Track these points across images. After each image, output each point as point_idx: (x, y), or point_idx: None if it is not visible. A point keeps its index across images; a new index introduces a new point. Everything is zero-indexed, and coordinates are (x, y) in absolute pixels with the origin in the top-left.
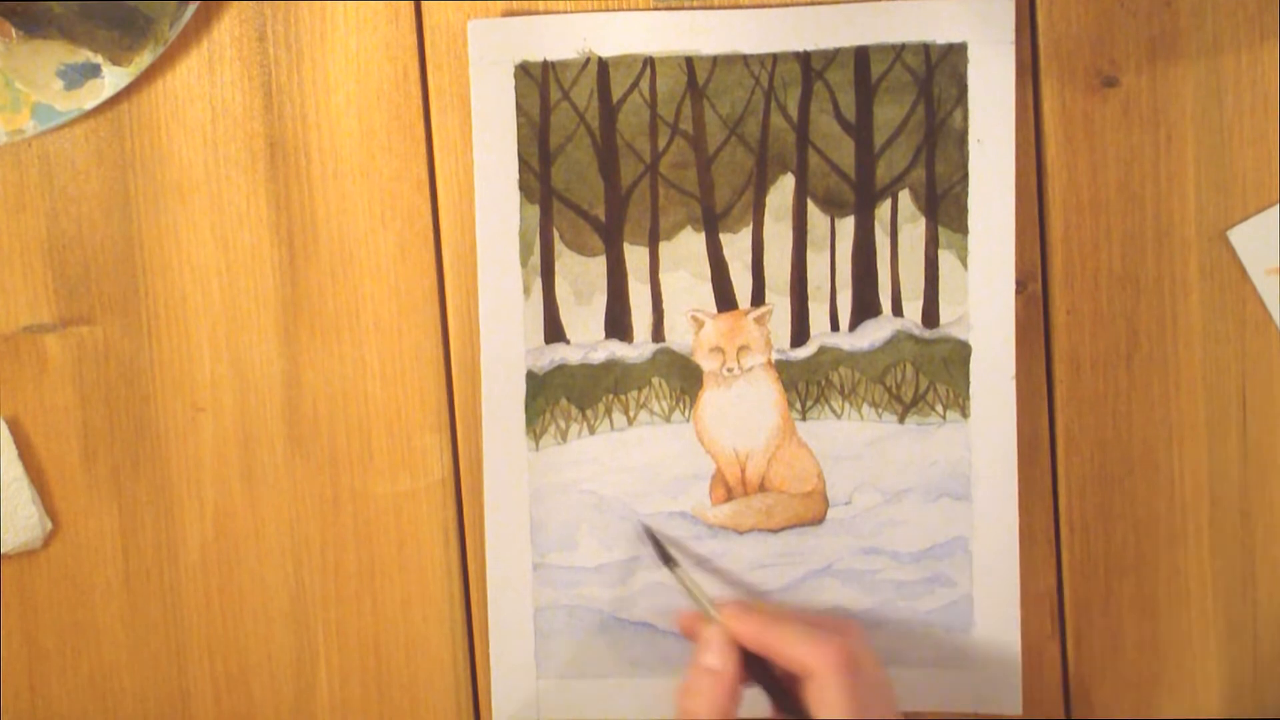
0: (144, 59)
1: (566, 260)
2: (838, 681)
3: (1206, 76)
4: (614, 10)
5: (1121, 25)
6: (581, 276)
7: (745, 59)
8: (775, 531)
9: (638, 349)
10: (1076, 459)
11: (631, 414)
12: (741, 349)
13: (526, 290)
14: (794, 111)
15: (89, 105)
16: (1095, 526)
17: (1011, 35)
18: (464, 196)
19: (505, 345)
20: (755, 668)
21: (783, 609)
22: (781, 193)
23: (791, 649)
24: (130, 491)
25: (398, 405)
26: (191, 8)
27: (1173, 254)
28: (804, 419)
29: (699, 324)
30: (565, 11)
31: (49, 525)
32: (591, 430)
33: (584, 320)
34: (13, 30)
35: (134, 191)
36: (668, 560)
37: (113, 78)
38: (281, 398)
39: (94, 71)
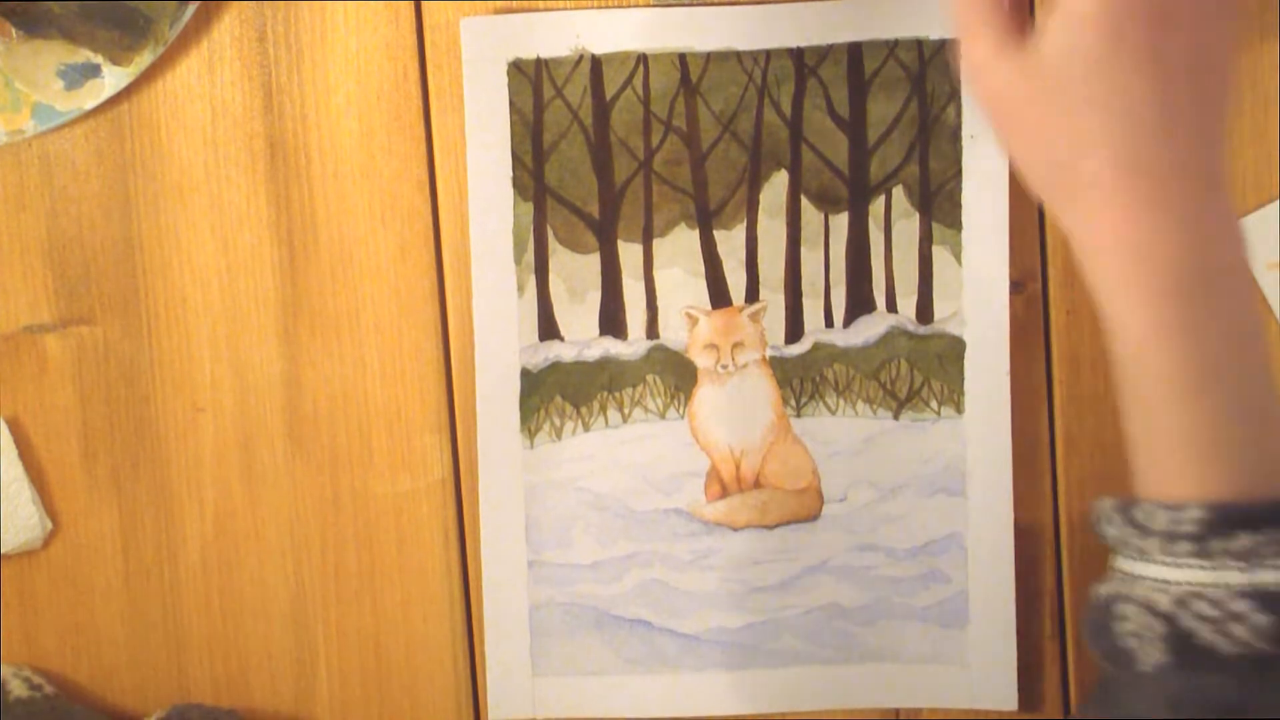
0: (144, 59)
1: (560, 257)
2: None
3: None
4: (607, 7)
5: None
6: (575, 274)
7: (739, 55)
8: (770, 528)
9: (632, 346)
10: (1076, 459)
11: (626, 411)
12: (736, 346)
13: (520, 288)
14: (787, 108)
15: (89, 105)
16: None
17: None
18: (464, 197)
19: (500, 343)
20: None
21: None
22: (775, 189)
23: None
24: (130, 491)
25: (398, 405)
26: (191, 8)
27: None
28: (799, 415)
29: (693, 321)
30: (558, 8)
31: (49, 525)
32: (586, 428)
33: (578, 317)
34: (13, 30)
35: (134, 191)
36: None
37: (113, 78)
38: (281, 398)
39: (94, 71)
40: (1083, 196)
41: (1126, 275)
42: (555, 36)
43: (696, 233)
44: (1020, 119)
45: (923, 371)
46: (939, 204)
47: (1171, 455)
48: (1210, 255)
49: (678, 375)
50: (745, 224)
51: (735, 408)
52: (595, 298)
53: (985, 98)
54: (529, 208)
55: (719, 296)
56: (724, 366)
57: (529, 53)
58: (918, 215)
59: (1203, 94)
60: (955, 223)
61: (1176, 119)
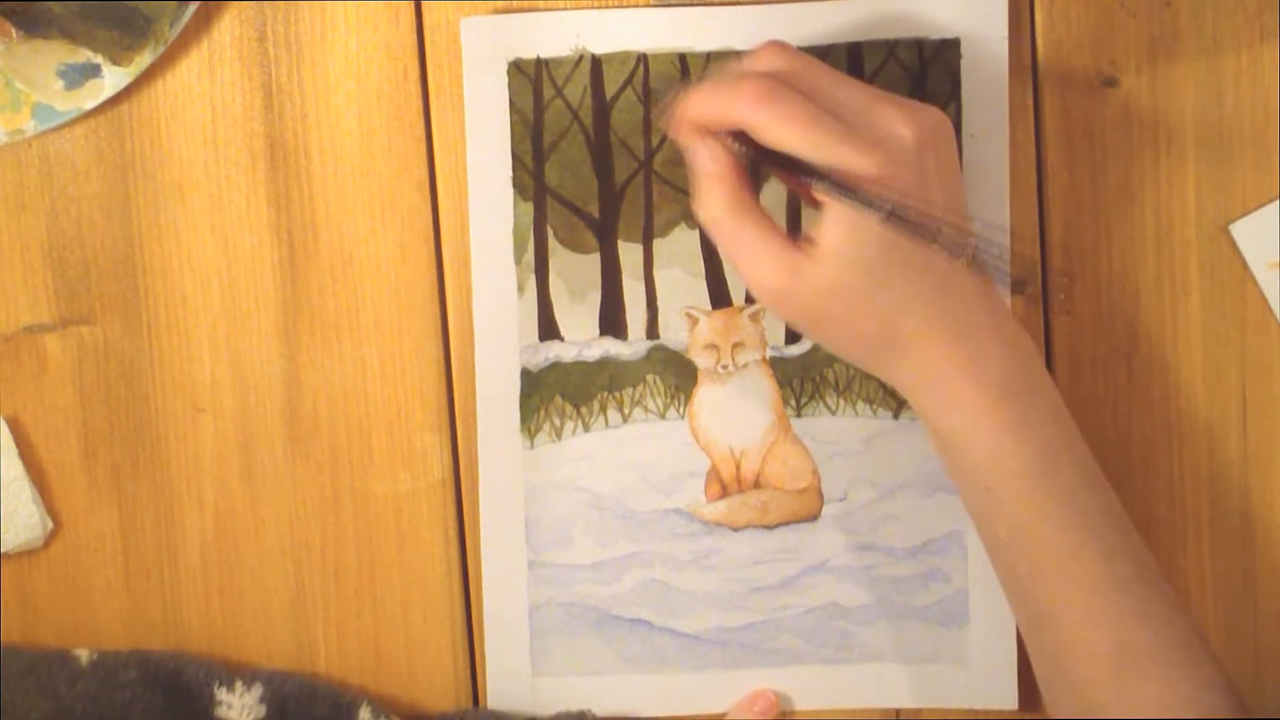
0: (144, 59)
1: (561, 258)
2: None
3: (1206, 76)
4: (607, 7)
5: (1121, 25)
6: (576, 274)
7: (739, 55)
8: (770, 528)
9: (632, 346)
10: None
11: (626, 411)
12: (736, 346)
13: (521, 288)
14: None
15: (89, 105)
16: None
17: (1005, 31)
18: (464, 196)
19: (500, 343)
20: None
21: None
22: (775, 189)
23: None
24: (130, 491)
25: (398, 405)
26: (191, 8)
27: (1173, 254)
28: (799, 415)
29: (693, 321)
30: (559, 8)
31: (50, 525)
32: (586, 428)
33: (578, 318)
34: (13, 30)
35: (134, 191)
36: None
37: (113, 78)
38: (281, 398)
39: (94, 71)
40: (908, 350)
41: (964, 394)
42: (555, 36)
43: (697, 233)
44: (830, 318)
45: None
46: None
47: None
48: (1018, 356)
49: (678, 375)
50: None
51: (735, 408)
52: (595, 298)
53: (794, 315)
54: (529, 208)
55: (719, 297)
56: (724, 367)
57: (529, 52)
58: None
59: None
60: None
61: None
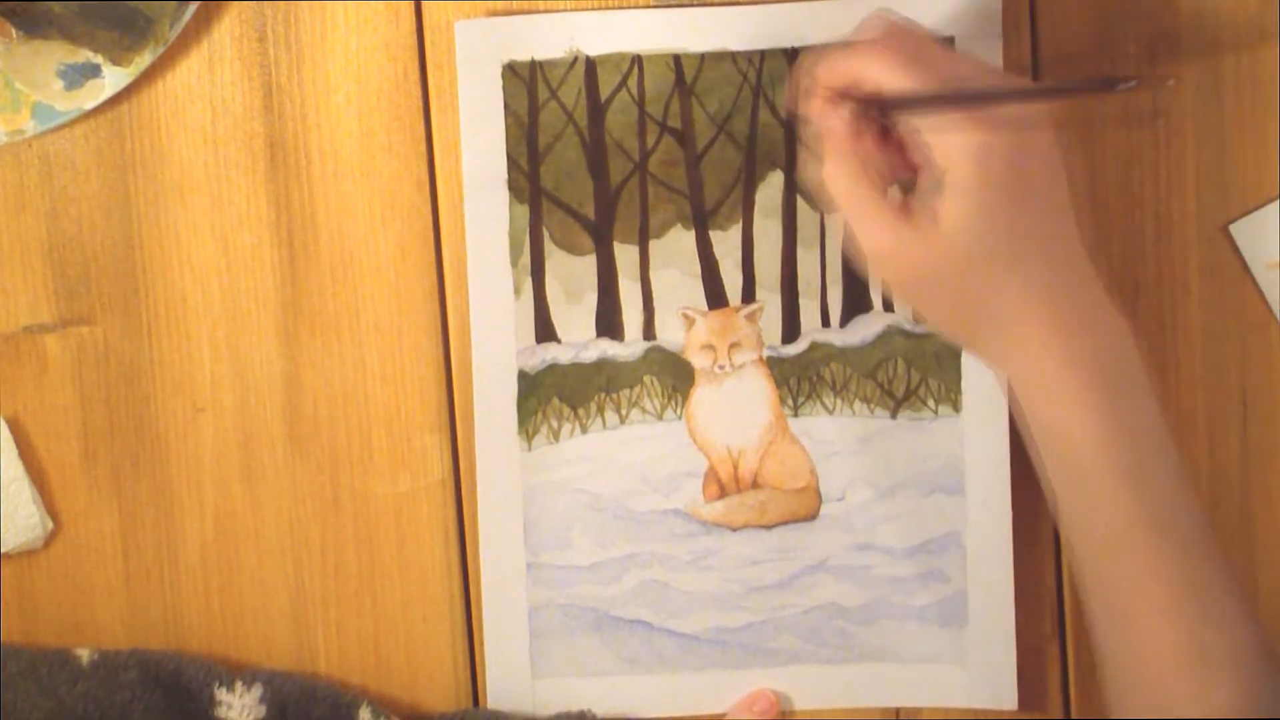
0: (144, 59)
1: (557, 259)
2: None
3: (1206, 76)
4: (602, 9)
5: (1121, 25)
6: (572, 276)
7: (733, 56)
8: (769, 528)
9: (629, 347)
10: None
11: (624, 412)
12: (733, 346)
13: (517, 290)
14: (782, 108)
15: (89, 105)
16: None
17: (1000, 29)
18: (463, 197)
19: (497, 345)
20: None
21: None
22: (771, 189)
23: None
24: (130, 491)
25: (398, 405)
26: (191, 8)
27: (1173, 254)
28: (796, 415)
29: (690, 321)
30: (552, 10)
31: (50, 525)
32: (584, 429)
33: (575, 319)
34: (13, 30)
35: (134, 191)
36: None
37: (113, 78)
38: (281, 398)
39: (94, 71)
40: (1007, 330)
41: (1065, 388)
42: (550, 38)
43: (692, 233)
44: (935, 286)
45: (920, 370)
46: None
47: (1134, 542)
48: (1118, 349)
49: (675, 376)
50: (741, 224)
51: (733, 408)
52: (592, 299)
53: (898, 281)
54: (525, 210)
55: (715, 297)
56: (721, 367)
57: (524, 55)
58: None
59: (1068, 217)
60: None
61: (1068, 243)
